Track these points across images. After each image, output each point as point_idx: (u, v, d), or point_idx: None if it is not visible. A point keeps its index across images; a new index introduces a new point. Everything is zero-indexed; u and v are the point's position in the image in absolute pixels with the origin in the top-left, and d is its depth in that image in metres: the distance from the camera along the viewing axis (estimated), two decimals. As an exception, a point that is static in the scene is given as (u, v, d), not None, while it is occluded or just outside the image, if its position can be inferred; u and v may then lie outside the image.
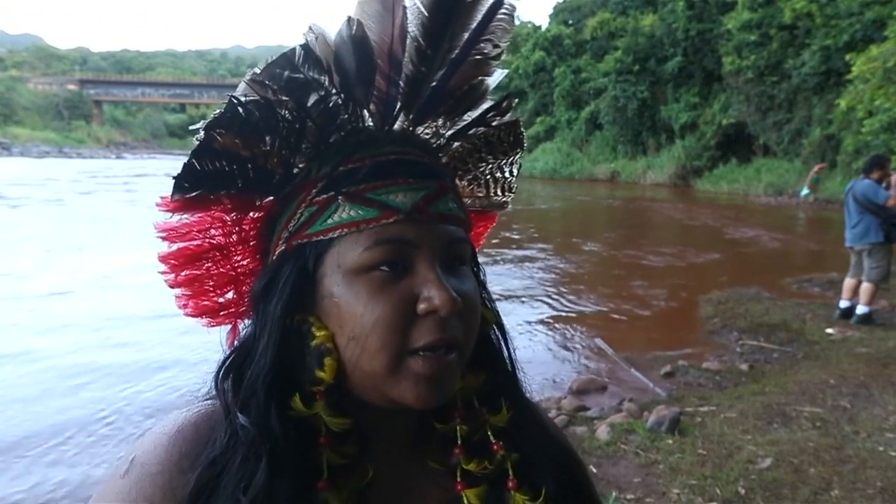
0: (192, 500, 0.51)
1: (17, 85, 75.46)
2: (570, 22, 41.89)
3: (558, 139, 37.45)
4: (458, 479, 0.59)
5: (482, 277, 0.67)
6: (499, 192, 0.75)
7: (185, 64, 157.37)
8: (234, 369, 0.57)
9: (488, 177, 0.73)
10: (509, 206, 0.77)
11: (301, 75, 0.53)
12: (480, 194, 0.74)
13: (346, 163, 0.57)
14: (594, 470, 3.30)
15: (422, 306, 0.53)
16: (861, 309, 6.27)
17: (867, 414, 3.99)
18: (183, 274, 0.62)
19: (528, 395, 0.68)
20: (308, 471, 0.54)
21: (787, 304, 7.25)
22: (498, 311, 0.67)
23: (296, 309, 0.56)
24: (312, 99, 0.54)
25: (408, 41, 0.54)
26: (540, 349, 5.76)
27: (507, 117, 0.67)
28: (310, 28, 0.54)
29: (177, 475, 0.53)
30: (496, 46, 0.58)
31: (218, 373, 0.58)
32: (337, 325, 0.55)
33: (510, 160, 0.72)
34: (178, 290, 0.64)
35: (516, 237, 12.42)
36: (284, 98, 0.54)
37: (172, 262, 0.62)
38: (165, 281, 0.63)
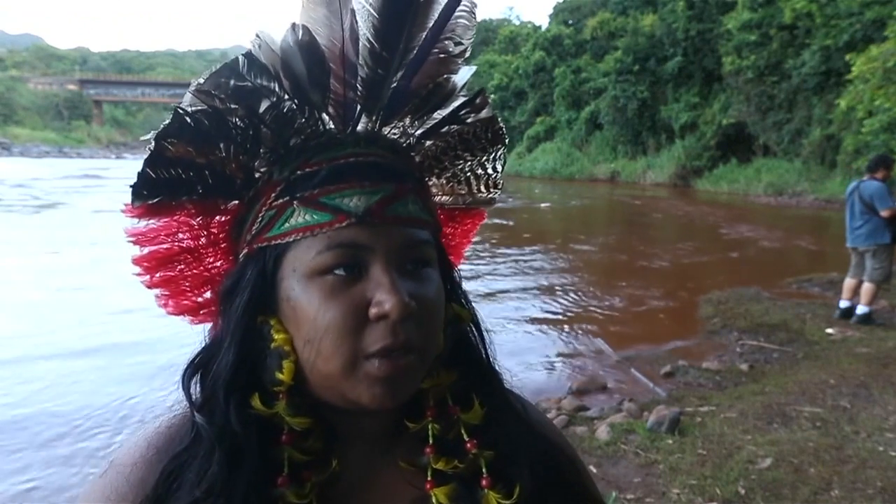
0: (155, 491, 0.53)
1: (17, 85, 75.58)
2: (570, 22, 41.94)
3: (558, 139, 37.47)
4: (429, 479, 0.59)
5: (456, 277, 0.67)
6: (482, 189, 0.73)
7: (185, 64, 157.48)
8: (200, 368, 0.58)
9: (469, 174, 0.70)
10: (496, 203, 0.75)
11: (248, 83, 0.53)
12: (462, 192, 0.72)
13: (304, 166, 0.56)
14: (594, 470, 3.29)
15: (373, 311, 0.52)
16: (861, 309, 6.26)
17: (867, 414, 3.99)
18: (158, 276, 0.62)
19: (509, 390, 0.67)
20: (270, 467, 0.54)
21: (787, 304, 7.24)
22: (474, 310, 0.66)
23: (258, 311, 0.56)
24: (264, 105, 0.54)
25: (361, 44, 0.53)
26: (540, 349, 5.75)
27: (484, 113, 0.65)
28: (257, 35, 0.53)
29: (145, 468, 0.55)
30: (458, 44, 0.57)
31: (185, 371, 0.58)
32: (294, 328, 0.55)
33: (492, 156, 0.70)
34: (156, 291, 0.63)
35: (516, 236, 12.42)
36: (233, 106, 0.53)
37: (146, 264, 0.61)
38: (142, 282, 0.63)
